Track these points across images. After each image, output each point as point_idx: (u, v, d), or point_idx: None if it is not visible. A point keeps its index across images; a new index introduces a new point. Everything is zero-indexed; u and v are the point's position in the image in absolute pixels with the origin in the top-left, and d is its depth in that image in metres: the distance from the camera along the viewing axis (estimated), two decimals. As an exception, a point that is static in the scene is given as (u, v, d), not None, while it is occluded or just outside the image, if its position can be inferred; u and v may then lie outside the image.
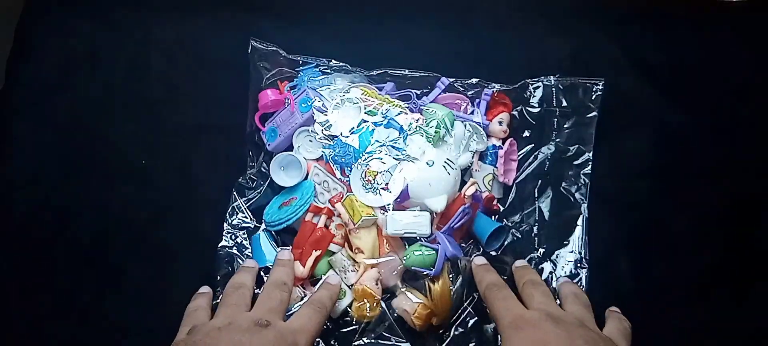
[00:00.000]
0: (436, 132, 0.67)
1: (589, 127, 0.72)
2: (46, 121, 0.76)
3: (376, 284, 0.66)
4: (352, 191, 0.67)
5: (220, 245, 0.69)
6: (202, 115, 0.77)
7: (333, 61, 0.74)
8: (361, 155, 0.67)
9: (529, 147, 0.74)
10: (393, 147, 0.67)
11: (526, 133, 0.74)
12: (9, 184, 0.74)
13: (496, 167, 0.71)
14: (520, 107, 0.74)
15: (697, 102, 0.76)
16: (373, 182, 0.66)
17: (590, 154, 0.71)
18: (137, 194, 0.74)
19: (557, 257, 0.68)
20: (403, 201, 0.65)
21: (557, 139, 0.72)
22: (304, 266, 0.66)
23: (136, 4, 0.83)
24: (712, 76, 0.78)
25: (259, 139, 0.74)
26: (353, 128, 0.68)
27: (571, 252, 0.68)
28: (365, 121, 0.69)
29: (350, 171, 0.67)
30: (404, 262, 0.65)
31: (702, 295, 0.67)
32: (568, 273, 0.67)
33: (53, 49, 0.80)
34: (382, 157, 0.66)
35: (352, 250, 0.67)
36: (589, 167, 0.71)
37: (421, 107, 0.71)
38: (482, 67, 0.75)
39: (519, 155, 0.74)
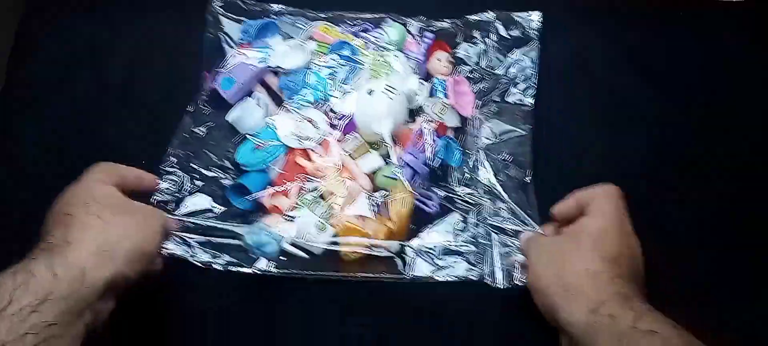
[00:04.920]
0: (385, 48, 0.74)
1: (530, 58, 0.75)
2: (46, 120, 0.76)
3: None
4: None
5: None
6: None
7: (279, 6, 0.79)
8: (306, 88, 0.72)
9: (472, 85, 0.75)
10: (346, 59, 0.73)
11: (470, 67, 0.76)
12: (9, 184, 0.74)
13: (447, 97, 0.72)
14: (464, 46, 0.77)
15: (697, 102, 0.76)
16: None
17: (535, 81, 0.74)
18: (137, 194, 0.74)
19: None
20: (349, 132, 0.68)
21: (502, 73, 0.75)
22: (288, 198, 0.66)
23: (136, 4, 0.83)
24: (712, 76, 0.78)
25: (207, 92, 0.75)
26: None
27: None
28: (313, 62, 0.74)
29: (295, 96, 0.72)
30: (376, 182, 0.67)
31: (702, 295, 0.67)
32: None
33: (53, 49, 0.80)
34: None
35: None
36: (533, 93, 0.74)
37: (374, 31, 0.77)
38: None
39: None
